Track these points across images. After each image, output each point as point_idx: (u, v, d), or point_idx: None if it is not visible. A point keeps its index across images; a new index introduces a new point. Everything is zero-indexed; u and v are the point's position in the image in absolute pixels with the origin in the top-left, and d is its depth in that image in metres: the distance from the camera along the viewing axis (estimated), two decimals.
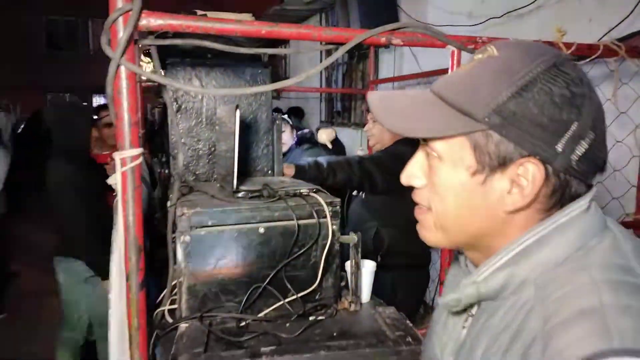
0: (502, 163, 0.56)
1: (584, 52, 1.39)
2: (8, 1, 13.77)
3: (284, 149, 2.76)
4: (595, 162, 0.56)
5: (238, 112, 1.28)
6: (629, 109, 1.65)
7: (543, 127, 0.53)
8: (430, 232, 0.64)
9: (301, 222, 1.26)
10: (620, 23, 1.91)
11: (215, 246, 1.20)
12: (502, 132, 0.54)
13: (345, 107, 5.35)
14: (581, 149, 0.53)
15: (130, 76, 1.00)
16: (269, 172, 1.76)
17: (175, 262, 1.22)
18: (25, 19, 14.53)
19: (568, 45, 1.35)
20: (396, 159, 1.97)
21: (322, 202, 1.29)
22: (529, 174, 0.55)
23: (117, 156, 1.01)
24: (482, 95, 0.55)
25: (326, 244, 1.28)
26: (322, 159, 1.97)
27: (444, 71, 2.52)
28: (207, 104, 1.67)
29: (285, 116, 2.90)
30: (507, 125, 0.54)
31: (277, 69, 7.59)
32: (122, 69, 0.98)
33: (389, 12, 3.27)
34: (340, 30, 1.16)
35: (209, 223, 1.19)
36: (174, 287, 1.27)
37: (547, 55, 0.55)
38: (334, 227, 1.29)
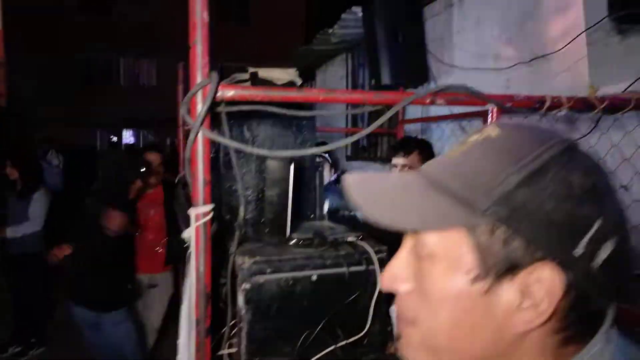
0: (511, 267, 0.45)
1: (617, 105, 1.47)
2: (45, 38, 14.55)
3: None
4: (620, 272, 0.46)
5: (292, 166, 1.39)
6: None
7: (560, 224, 0.43)
8: (415, 353, 0.51)
9: (351, 269, 1.34)
10: None
11: (272, 293, 1.29)
12: (511, 227, 0.44)
13: (371, 142, 5.45)
14: (604, 253, 0.44)
15: (206, 142, 1.12)
16: (312, 215, 1.86)
17: (234, 307, 1.31)
18: (62, 55, 15.28)
19: (601, 100, 1.42)
20: None
21: (370, 249, 1.38)
22: (545, 282, 0.44)
23: (193, 212, 1.12)
24: (485, 180, 0.46)
25: (374, 290, 1.36)
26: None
27: (476, 114, 2.60)
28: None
29: (326, 154, 3.01)
30: (516, 219, 0.44)
31: (304, 87, 7.80)
32: (200, 135, 1.11)
33: (418, 55, 3.39)
34: (388, 93, 1.27)
35: (267, 271, 1.28)
36: (232, 329, 1.36)
37: (556, 138, 0.47)
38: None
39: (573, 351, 0.47)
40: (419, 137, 3.93)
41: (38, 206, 3.90)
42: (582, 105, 1.42)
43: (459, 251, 0.47)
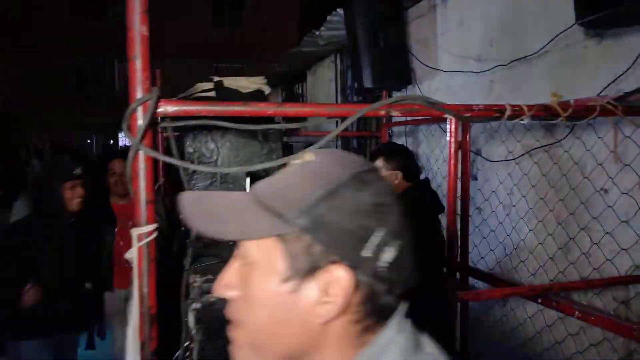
0: (312, 269, 0.54)
1: (582, 113, 1.44)
2: (39, 42, 14.53)
3: None
4: (402, 271, 0.56)
5: (248, 180, 1.36)
6: (633, 162, 1.67)
7: (350, 232, 0.53)
8: (243, 352, 0.59)
9: None
10: (622, 74, 1.95)
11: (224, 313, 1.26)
12: (312, 235, 0.53)
13: (361, 144, 5.43)
14: (388, 256, 0.54)
15: (148, 159, 1.09)
16: None
17: (187, 327, 1.28)
18: (55, 60, 15.26)
19: (564, 107, 1.39)
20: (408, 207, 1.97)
21: None
22: (340, 281, 0.53)
23: (135, 232, 1.09)
24: (294, 196, 0.55)
25: None
26: None
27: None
28: (221, 165, 1.76)
29: None
30: (316, 228, 0.53)
31: (295, 90, 7.80)
32: (141, 153, 1.07)
33: (400, 58, 3.36)
34: (342, 106, 1.24)
35: None
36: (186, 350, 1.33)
37: (357, 164, 0.58)
38: None
39: (371, 339, 0.57)
40: (406, 138, 3.91)
41: (22, 214, 3.87)
42: (544, 113, 1.39)
43: (273, 257, 0.55)
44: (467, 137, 2.55)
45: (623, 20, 1.59)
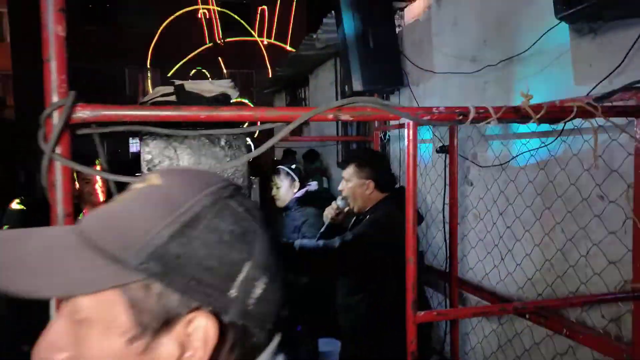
0: (167, 321, 0.44)
1: (557, 115, 1.32)
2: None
3: (281, 204, 2.73)
4: (273, 303, 0.50)
5: None
6: (620, 167, 1.54)
7: (213, 271, 0.45)
8: None
9: None
10: (612, 72, 1.82)
11: None
12: (165, 282, 0.44)
13: (360, 147, 5.33)
14: (257, 290, 0.47)
15: (65, 169, 1.01)
16: None
17: None
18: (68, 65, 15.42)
19: (536, 109, 1.28)
20: (382, 232, 1.82)
21: None
22: (200, 331, 0.45)
23: None
24: (137, 235, 0.44)
25: None
26: (304, 244, 1.81)
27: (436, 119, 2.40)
28: None
29: (293, 167, 2.83)
30: (170, 273, 0.44)
31: (298, 95, 7.73)
32: (58, 163, 0.99)
33: (392, 60, 3.26)
34: (284, 109, 1.15)
35: None
36: None
37: (214, 185, 0.49)
38: None
39: None
40: (397, 143, 3.79)
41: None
42: (513, 116, 1.28)
43: (114, 312, 0.45)
44: (455, 140, 2.44)
45: (605, 13, 1.47)
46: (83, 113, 1.01)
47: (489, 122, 1.25)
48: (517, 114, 1.27)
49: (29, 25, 14.96)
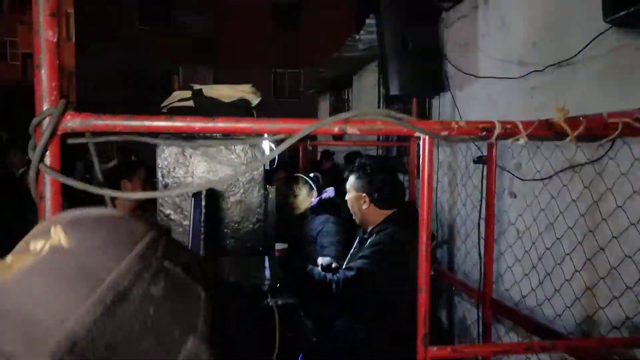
0: None
1: (598, 131, 1.16)
2: (111, 48, 15.43)
3: (297, 212, 2.67)
4: None
5: (193, 200, 1.22)
6: None
7: (150, 355, 0.37)
8: None
9: None
10: None
11: None
12: None
13: (400, 152, 5.18)
14: None
15: (53, 181, 0.97)
16: (260, 248, 1.67)
17: None
18: (125, 64, 16.10)
19: (574, 125, 1.13)
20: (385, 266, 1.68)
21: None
22: None
23: None
24: (48, 326, 0.34)
25: None
26: (313, 273, 1.70)
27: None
28: (194, 180, 1.63)
29: (311, 175, 2.77)
30: None
31: (342, 95, 7.63)
32: (47, 176, 0.96)
33: (433, 63, 3.11)
34: (286, 121, 1.06)
35: None
36: None
37: (140, 243, 0.39)
38: None
39: None
40: (438, 149, 3.61)
41: None
42: (546, 132, 1.13)
43: None
44: (493, 151, 2.27)
45: None
46: (73, 122, 0.97)
47: (517, 139, 1.12)
48: (551, 130, 1.12)
49: (93, 27, 15.76)
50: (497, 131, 1.10)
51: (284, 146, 1.04)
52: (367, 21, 4.44)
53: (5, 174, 4.05)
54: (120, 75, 16.02)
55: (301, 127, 1.04)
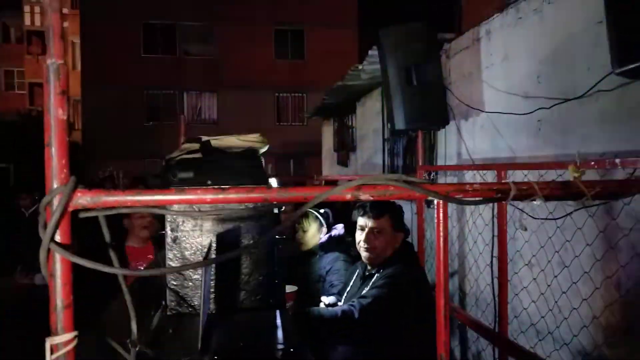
0: None
1: (616, 190, 1.14)
2: (114, 76, 15.65)
3: (304, 248, 2.63)
4: None
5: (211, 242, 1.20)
6: None
7: None
8: None
9: None
10: None
11: None
12: None
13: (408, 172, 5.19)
14: None
15: (63, 259, 0.96)
16: (266, 304, 1.63)
17: None
18: (128, 93, 16.30)
19: (589, 186, 1.11)
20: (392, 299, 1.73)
21: None
22: None
23: (48, 342, 0.95)
24: None
25: None
26: (322, 313, 1.76)
27: (499, 166, 2.24)
28: (201, 237, 1.62)
29: (322, 211, 2.72)
30: None
31: (345, 122, 7.66)
32: (57, 254, 0.94)
33: (437, 97, 3.10)
34: (297, 190, 1.05)
35: None
36: None
37: None
38: None
39: None
40: (444, 179, 3.59)
41: None
42: (563, 193, 1.11)
43: None
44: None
45: None
46: (84, 199, 0.96)
47: (534, 200, 1.10)
48: (568, 191, 1.11)
49: (98, 56, 16.02)
50: (512, 193, 1.08)
51: (297, 214, 1.03)
52: (370, 52, 4.47)
53: (17, 214, 4.64)
54: (125, 102, 16.20)
55: (313, 195, 1.03)
